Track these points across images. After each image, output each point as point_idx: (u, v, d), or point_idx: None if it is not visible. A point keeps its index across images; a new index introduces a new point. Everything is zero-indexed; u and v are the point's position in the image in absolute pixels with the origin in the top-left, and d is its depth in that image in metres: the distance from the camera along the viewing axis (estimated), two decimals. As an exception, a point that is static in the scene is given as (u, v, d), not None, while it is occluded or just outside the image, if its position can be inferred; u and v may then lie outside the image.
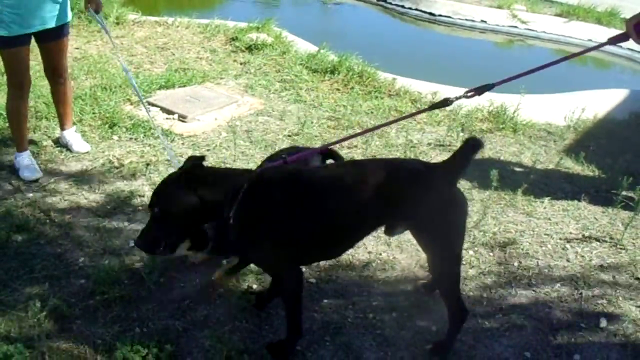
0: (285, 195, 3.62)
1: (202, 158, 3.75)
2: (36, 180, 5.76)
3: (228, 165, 6.05)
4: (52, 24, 5.60)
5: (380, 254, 4.95)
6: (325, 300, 4.44)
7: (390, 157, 6.23)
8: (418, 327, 4.25)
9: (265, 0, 15.67)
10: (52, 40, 5.73)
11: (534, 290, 4.67)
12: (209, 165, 3.86)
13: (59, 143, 6.38)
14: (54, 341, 3.98)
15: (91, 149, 6.35)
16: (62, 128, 6.36)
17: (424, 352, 4.03)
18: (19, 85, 5.67)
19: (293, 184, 3.68)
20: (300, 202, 3.62)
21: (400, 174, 3.72)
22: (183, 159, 5.94)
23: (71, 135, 6.35)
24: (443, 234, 3.74)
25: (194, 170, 3.66)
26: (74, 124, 6.49)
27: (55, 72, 5.99)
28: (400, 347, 4.07)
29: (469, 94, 3.65)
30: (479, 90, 3.63)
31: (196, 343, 4.00)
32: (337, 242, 3.83)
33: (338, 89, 8.11)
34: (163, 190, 3.71)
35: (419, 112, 4.40)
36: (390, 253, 4.97)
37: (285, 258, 3.73)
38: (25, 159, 5.90)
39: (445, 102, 3.69)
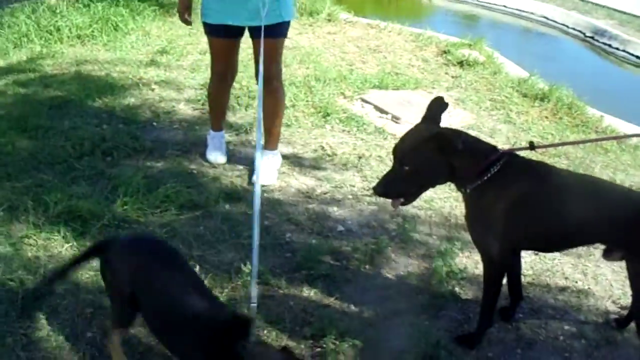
0: (528, 185, 3.71)
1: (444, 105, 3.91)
2: (221, 164, 5.82)
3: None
4: (257, 21, 5.02)
5: (576, 282, 4.88)
6: (520, 315, 4.43)
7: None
8: (606, 357, 4.19)
9: (465, 21, 15.66)
10: (257, 37, 5.07)
11: None
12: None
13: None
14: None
15: (304, 134, 6.50)
16: (264, 146, 5.77)
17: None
18: (219, 74, 5.61)
19: (538, 177, 3.76)
20: (539, 196, 3.71)
21: (632, 202, 3.69)
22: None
23: (265, 159, 5.71)
24: None
25: (446, 134, 3.67)
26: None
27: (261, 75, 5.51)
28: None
29: None
30: None
31: (395, 332, 4.08)
32: (556, 242, 3.94)
33: (547, 117, 8.01)
34: (413, 148, 3.70)
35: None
36: (586, 282, 4.89)
37: (507, 244, 3.82)
38: (214, 140, 5.92)
39: None
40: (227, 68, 5.57)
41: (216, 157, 5.85)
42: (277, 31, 5.21)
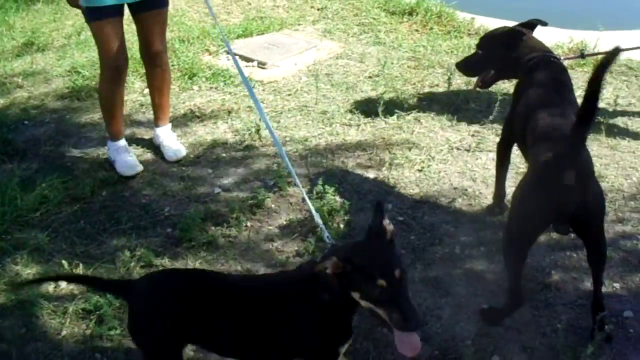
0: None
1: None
2: (135, 175, 5.28)
3: (310, 109, 6.13)
4: None
5: (466, 190, 4.92)
6: (413, 237, 4.44)
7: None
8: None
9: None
10: (145, 10, 4.92)
11: (620, 222, 4.57)
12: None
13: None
14: (143, 289, 4.06)
15: (172, 100, 6.10)
16: (156, 124, 5.58)
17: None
18: (113, 67, 5.00)
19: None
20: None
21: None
22: (265, 105, 6.07)
23: (165, 133, 5.56)
24: None
25: (514, 30, 4.34)
26: (171, 121, 5.71)
27: (148, 52, 5.19)
28: (490, 282, 4.05)
29: None
30: None
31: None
32: None
33: (417, 30, 8.01)
34: (489, 36, 4.57)
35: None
36: (476, 188, 4.93)
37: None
38: (120, 152, 5.33)
39: None
40: (121, 55, 4.99)
41: (131, 168, 5.28)
42: (162, 1, 5.03)
